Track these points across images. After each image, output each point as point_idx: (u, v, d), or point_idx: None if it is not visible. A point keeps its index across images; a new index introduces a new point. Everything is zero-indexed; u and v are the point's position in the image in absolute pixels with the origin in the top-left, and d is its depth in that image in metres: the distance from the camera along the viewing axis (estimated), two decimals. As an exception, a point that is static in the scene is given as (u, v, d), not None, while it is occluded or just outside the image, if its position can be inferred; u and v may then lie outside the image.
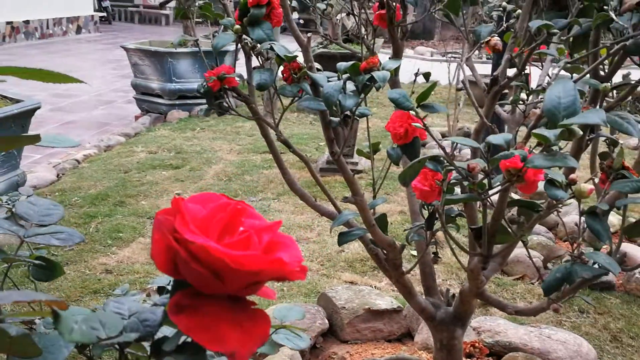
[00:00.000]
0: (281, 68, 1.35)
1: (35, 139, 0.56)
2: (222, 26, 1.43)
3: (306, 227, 3.23)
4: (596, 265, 1.13)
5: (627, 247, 2.83)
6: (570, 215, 2.98)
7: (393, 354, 1.90)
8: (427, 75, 1.44)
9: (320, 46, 3.52)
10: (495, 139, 0.85)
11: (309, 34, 1.18)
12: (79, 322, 0.43)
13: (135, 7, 18.45)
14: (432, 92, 1.24)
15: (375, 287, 2.53)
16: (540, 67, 2.54)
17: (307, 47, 1.16)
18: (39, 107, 3.11)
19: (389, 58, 1.61)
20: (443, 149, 0.90)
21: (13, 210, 0.73)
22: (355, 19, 1.62)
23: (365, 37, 1.72)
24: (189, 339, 0.43)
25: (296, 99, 1.33)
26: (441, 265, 2.74)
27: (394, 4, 1.49)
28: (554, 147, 0.82)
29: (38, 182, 3.85)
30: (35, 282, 0.80)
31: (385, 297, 2.20)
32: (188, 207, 0.42)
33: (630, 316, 2.45)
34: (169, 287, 0.76)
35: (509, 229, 1.11)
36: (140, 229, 3.06)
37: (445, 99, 5.71)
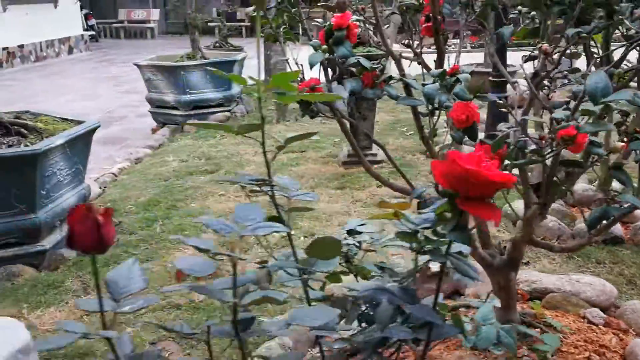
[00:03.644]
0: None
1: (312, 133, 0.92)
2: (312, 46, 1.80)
3: (344, 214, 3.60)
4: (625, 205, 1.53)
5: None
6: (578, 184, 3.38)
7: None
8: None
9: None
10: (558, 114, 1.23)
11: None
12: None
13: (119, 22, 18.71)
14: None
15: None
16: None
17: (399, 60, 1.54)
18: (99, 126, 3.47)
19: (434, 60, 2.00)
20: (527, 135, 1.28)
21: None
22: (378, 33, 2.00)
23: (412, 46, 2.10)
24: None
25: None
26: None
27: (440, 17, 1.87)
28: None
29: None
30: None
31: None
32: (460, 155, 0.80)
33: (640, 263, 2.86)
34: (358, 229, 1.14)
35: (559, 183, 1.50)
36: (201, 226, 3.42)
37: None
